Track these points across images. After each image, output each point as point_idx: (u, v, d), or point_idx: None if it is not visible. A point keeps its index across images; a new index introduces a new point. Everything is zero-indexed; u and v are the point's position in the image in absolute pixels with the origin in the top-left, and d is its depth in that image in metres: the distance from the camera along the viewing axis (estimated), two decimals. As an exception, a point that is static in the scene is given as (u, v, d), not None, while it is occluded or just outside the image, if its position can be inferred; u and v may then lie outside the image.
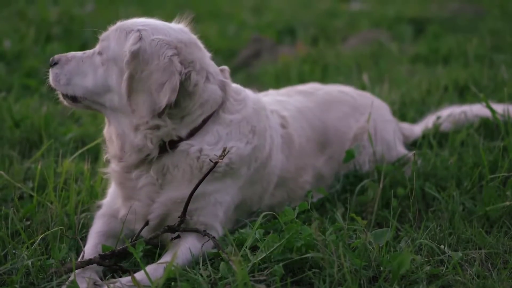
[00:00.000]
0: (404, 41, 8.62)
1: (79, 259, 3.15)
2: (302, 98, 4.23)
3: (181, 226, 3.24)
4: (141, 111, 3.23)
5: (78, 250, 3.39)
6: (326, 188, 4.05)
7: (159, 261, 3.11)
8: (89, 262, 3.11)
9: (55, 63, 3.43)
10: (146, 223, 3.33)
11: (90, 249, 3.31)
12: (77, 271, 3.04)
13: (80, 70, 3.40)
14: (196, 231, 3.27)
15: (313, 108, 4.18)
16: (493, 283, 2.99)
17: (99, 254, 3.16)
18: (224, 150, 3.22)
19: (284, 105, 4.03)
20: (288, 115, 3.93)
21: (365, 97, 4.54)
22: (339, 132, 4.20)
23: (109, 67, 3.33)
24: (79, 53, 3.46)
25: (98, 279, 3.10)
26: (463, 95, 5.79)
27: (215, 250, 3.20)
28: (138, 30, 3.33)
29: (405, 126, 4.83)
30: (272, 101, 4.01)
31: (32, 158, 4.42)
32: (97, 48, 3.41)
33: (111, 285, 2.92)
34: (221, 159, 3.21)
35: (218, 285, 2.91)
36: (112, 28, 3.44)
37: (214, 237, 3.22)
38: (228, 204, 3.46)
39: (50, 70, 3.45)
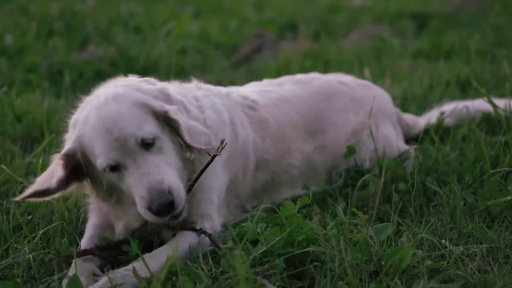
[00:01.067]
0: (406, 36, 8.60)
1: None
2: (296, 87, 4.25)
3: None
4: None
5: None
6: (319, 178, 4.08)
7: (158, 249, 3.12)
8: (86, 252, 3.12)
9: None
10: (141, 227, 3.30)
11: (86, 240, 3.31)
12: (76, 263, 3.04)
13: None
14: (193, 229, 3.25)
15: (305, 97, 4.19)
16: (494, 277, 2.99)
17: (96, 245, 3.17)
18: (221, 142, 3.23)
19: (266, 94, 4.07)
20: (261, 100, 3.97)
21: (366, 87, 4.53)
22: (334, 123, 4.20)
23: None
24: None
25: (97, 270, 3.10)
26: (465, 90, 5.78)
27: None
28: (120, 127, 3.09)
29: (409, 117, 4.82)
30: (250, 90, 4.08)
31: (34, 152, 4.43)
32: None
33: (111, 275, 2.92)
34: (219, 152, 3.21)
35: (219, 279, 2.91)
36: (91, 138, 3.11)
37: (210, 235, 3.21)
38: (220, 188, 3.47)
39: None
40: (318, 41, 8.38)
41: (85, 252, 3.13)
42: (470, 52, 6.97)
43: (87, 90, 3.38)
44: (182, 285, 2.80)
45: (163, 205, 2.96)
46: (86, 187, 3.25)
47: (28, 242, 3.32)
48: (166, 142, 3.15)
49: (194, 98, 3.56)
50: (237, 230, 3.20)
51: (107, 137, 3.03)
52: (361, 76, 6.28)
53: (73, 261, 3.02)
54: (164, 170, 3.04)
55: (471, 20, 9.03)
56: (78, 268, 3.02)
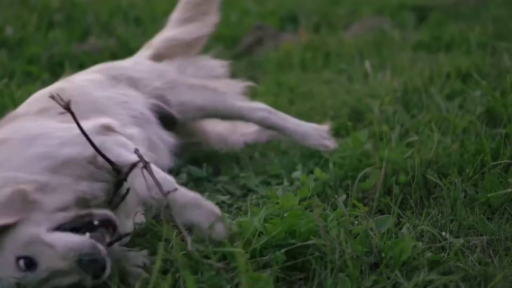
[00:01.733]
0: (406, 28, 8.58)
1: None
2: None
3: None
4: None
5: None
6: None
7: None
8: None
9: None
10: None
11: None
12: None
13: None
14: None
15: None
16: (495, 269, 2.99)
17: None
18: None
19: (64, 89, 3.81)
20: (62, 86, 3.92)
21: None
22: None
23: None
24: None
25: None
26: (465, 82, 5.77)
27: None
28: None
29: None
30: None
31: (34, 144, 4.42)
32: None
33: None
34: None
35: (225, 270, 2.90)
36: None
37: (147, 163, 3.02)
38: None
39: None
40: (319, 33, 8.36)
41: None
42: (470, 44, 6.95)
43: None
44: (183, 279, 2.79)
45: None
46: None
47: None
48: None
49: None
50: (239, 222, 3.17)
51: None
52: (361, 67, 6.30)
53: None
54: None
55: (471, 12, 9.01)
56: None
